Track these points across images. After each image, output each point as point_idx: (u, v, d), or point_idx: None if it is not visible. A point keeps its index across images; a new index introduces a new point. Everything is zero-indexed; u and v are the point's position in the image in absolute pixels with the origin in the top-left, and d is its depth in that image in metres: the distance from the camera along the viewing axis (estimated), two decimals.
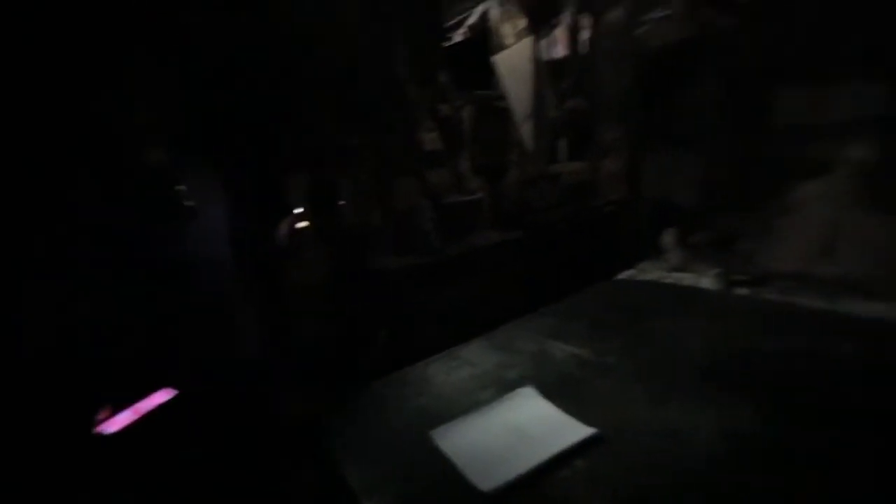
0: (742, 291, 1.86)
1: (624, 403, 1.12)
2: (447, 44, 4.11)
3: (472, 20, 4.35)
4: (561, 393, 1.17)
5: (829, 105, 2.60)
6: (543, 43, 3.95)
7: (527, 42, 3.28)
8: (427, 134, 3.01)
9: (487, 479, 0.93)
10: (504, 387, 1.24)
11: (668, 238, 2.22)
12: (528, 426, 1.07)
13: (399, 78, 2.72)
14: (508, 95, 3.32)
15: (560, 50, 3.94)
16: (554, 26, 4.01)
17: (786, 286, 1.90)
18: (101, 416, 1.29)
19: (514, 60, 3.32)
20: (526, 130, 3.33)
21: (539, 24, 3.86)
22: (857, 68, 2.50)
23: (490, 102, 3.29)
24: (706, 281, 1.91)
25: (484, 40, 3.86)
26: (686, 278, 2.06)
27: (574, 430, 1.02)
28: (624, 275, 2.24)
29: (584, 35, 3.51)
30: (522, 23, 4.00)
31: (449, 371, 1.40)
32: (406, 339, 2.17)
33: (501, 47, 3.66)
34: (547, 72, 3.40)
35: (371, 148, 2.50)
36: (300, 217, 1.84)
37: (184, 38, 1.70)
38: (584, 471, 0.93)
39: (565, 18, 3.67)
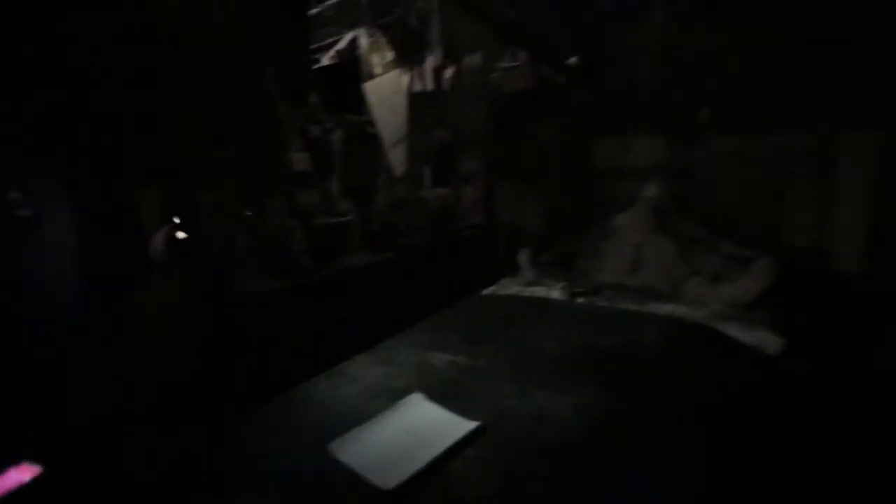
0: (581, 300, 2.25)
1: (499, 398, 1.29)
2: (316, 65, 4.12)
3: (340, 45, 4.43)
4: (444, 395, 1.30)
5: (631, 154, 3.33)
6: (412, 75, 4.23)
7: (395, 74, 3.49)
8: (297, 154, 2.97)
9: (388, 479, 1.00)
10: (393, 396, 1.32)
11: (522, 257, 2.57)
12: (420, 427, 1.18)
13: (269, 94, 2.66)
14: (377, 122, 3.47)
15: (425, 84, 4.26)
16: (420, 62, 4.33)
17: (610, 294, 2.36)
18: None
19: (383, 90, 3.49)
20: (394, 156, 3.50)
21: (406, 59, 4.13)
22: (647, 127, 3.27)
23: (360, 127, 3.39)
24: (555, 293, 2.27)
25: (354, 66, 3.98)
26: (539, 291, 2.41)
27: (460, 426, 1.16)
28: (488, 290, 2.51)
29: (448, 74, 3.86)
30: (390, 55, 4.23)
31: (337, 387, 1.43)
32: (281, 363, 2.10)
33: (371, 76, 3.82)
34: (414, 103, 3.64)
35: (238, 164, 2.39)
36: (177, 227, 1.65)
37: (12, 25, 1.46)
38: (473, 458, 1.07)
39: (430, 56, 3.98)
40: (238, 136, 2.39)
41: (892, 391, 1.68)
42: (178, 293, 1.97)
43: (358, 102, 3.48)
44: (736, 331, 1.83)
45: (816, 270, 2.63)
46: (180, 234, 1.65)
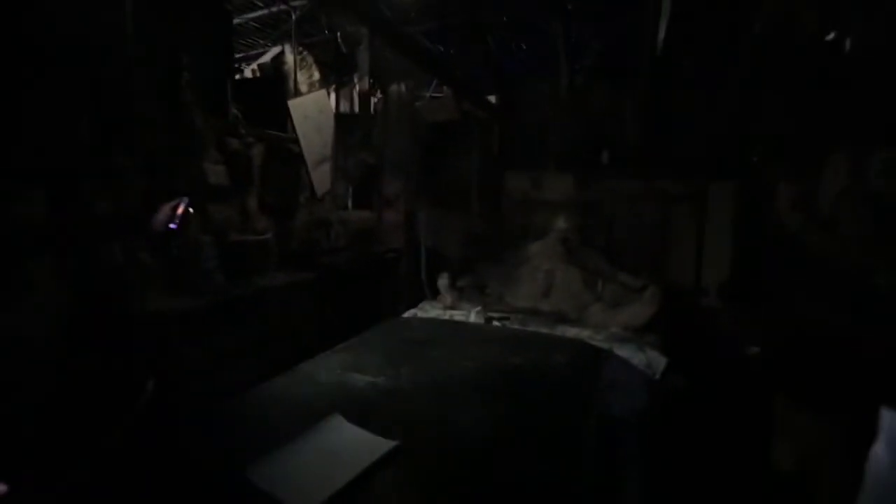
0: (496, 323, 2.38)
1: (416, 417, 1.33)
2: (238, 77, 3.99)
3: (264, 59, 4.34)
4: (364, 416, 1.32)
5: (543, 188, 3.63)
6: (339, 97, 4.25)
7: (322, 93, 3.49)
8: (213, 166, 2.84)
9: (306, 502, 0.99)
10: (312, 418, 1.31)
11: (442, 282, 2.66)
12: (339, 449, 1.17)
13: (182, 99, 2.54)
14: (301, 140, 3.43)
15: (351, 107, 4.30)
16: (347, 84, 4.37)
17: (523, 318, 2.52)
18: None
19: (308, 108, 3.48)
20: (317, 175, 3.47)
21: (332, 80, 4.15)
22: (557, 165, 3.59)
23: (282, 144, 3.33)
24: (472, 316, 2.38)
25: (279, 82, 3.91)
26: (457, 315, 2.50)
27: (378, 446, 1.17)
28: (408, 313, 2.56)
29: (374, 98, 3.93)
30: (317, 74, 4.22)
31: (255, 409, 1.38)
32: (186, 387, 1.96)
33: (297, 93, 3.78)
34: (340, 125, 3.66)
35: (142, 172, 2.23)
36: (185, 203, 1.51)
37: None
38: (391, 476, 1.09)
39: (357, 80, 4.04)
40: (145, 142, 2.24)
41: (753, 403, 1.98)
42: (56, 315, 1.75)
43: (282, 119, 3.43)
44: (630, 351, 2.06)
45: (692, 298, 3.03)
46: (186, 209, 1.50)
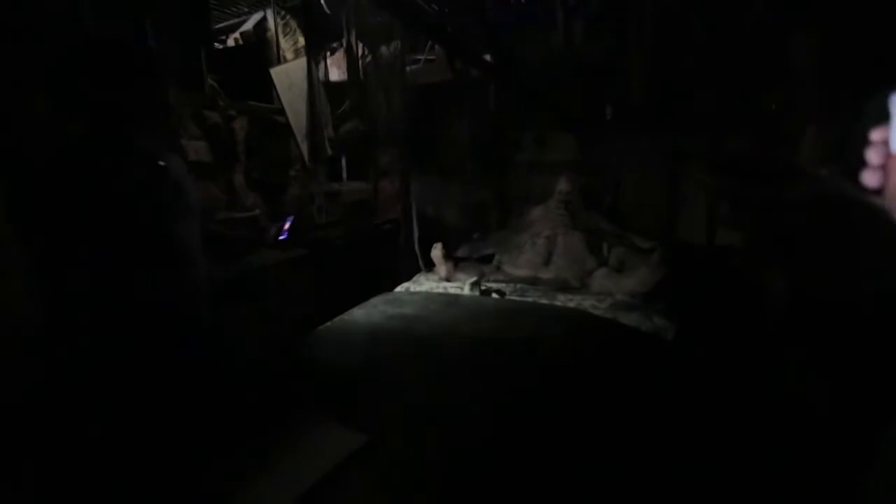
0: (494, 295, 2.26)
1: (394, 406, 1.22)
2: (217, 47, 3.78)
3: (246, 27, 4.11)
4: (336, 406, 1.21)
5: (544, 149, 3.43)
6: (326, 63, 4.03)
7: (306, 61, 3.29)
8: (191, 142, 2.70)
9: None
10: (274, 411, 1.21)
11: (435, 252, 2.53)
12: (305, 445, 1.07)
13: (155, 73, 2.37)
14: (288, 110, 3.25)
15: (338, 73, 4.08)
16: (334, 50, 4.14)
17: (522, 288, 2.39)
18: None
19: (293, 76, 3.28)
20: (306, 147, 3.31)
21: (318, 45, 3.92)
22: (559, 124, 3.37)
23: (267, 115, 3.16)
24: (466, 288, 2.25)
25: (260, 50, 3.70)
26: (452, 287, 2.38)
27: (348, 441, 1.05)
28: (401, 287, 2.44)
29: (362, 63, 3.71)
30: (302, 41, 3.99)
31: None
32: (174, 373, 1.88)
33: (280, 61, 3.58)
34: (328, 92, 3.47)
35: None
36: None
37: None
38: (362, 476, 0.98)
39: (344, 44, 3.81)
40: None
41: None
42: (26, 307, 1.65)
43: (264, 89, 3.25)
44: (636, 319, 1.93)
45: (705, 259, 2.86)
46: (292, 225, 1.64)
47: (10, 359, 1.45)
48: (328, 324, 1.77)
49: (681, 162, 3.13)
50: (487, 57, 3.40)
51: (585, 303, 2.14)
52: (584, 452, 1.19)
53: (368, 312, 1.85)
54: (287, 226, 1.84)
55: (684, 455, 1.38)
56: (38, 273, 1.19)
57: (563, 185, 3.01)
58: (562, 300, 2.19)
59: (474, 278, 2.32)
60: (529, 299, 2.20)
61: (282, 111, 3.24)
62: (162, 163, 1.26)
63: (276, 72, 3.26)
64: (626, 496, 1.17)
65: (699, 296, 2.22)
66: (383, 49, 3.55)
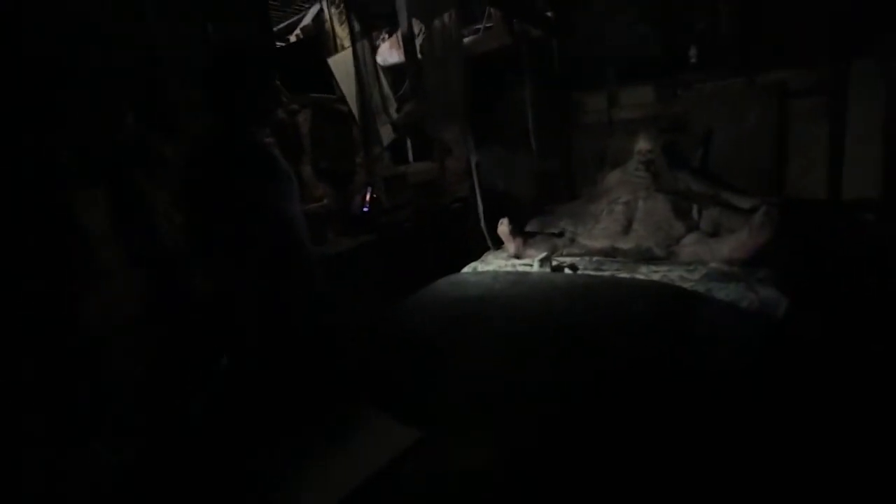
0: (567, 270, 2.09)
1: (453, 397, 1.14)
2: (280, 45, 3.90)
3: (305, 21, 4.19)
4: (391, 398, 1.16)
5: (618, 106, 3.10)
6: (383, 47, 3.99)
7: (362, 47, 3.27)
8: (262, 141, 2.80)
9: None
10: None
11: (502, 228, 2.40)
12: (357, 441, 1.04)
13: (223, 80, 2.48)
14: (348, 98, 3.27)
15: (396, 55, 4.01)
16: (390, 32, 4.08)
17: (599, 261, 2.19)
18: None
19: (349, 64, 3.28)
20: (372, 133, 3.31)
21: (374, 29, 3.87)
22: (633, 76, 3.01)
23: (329, 105, 3.20)
24: (536, 265, 2.10)
25: (316, 42, 3.75)
26: (521, 265, 2.24)
27: (402, 437, 1.00)
28: (468, 267, 2.36)
29: (418, 41, 3.61)
30: (357, 27, 3.98)
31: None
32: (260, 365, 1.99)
33: (338, 49, 3.60)
34: (385, 76, 3.43)
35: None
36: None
37: None
38: (415, 475, 0.93)
39: (399, 24, 3.74)
40: (189, 127, 2.23)
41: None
42: (136, 297, 1.88)
43: (325, 80, 3.28)
44: (736, 292, 1.66)
45: (826, 217, 2.42)
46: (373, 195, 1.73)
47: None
48: (391, 311, 1.74)
49: (787, 102, 2.66)
50: (548, 13, 3.14)
51: (672, 274, 1.89)
52: (664, 449, 1.03)
53: (433, 296, 1.79)
54: (368, 197, 2.04)
55: (781, 461, 1.16)
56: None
57: (641, 144, 2.70)
58: (644, 272, 1.96)
59: (544, 254, 2.16)
60: (606, 273, 2.00)
61: (343, 100, 3.27)
62: (277, 153, 1.45)
63: (333, 61, 3.29)
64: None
65: (818, 262, 1.86)
66: (437, 23, 3.41)
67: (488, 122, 3.21)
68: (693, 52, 2.75)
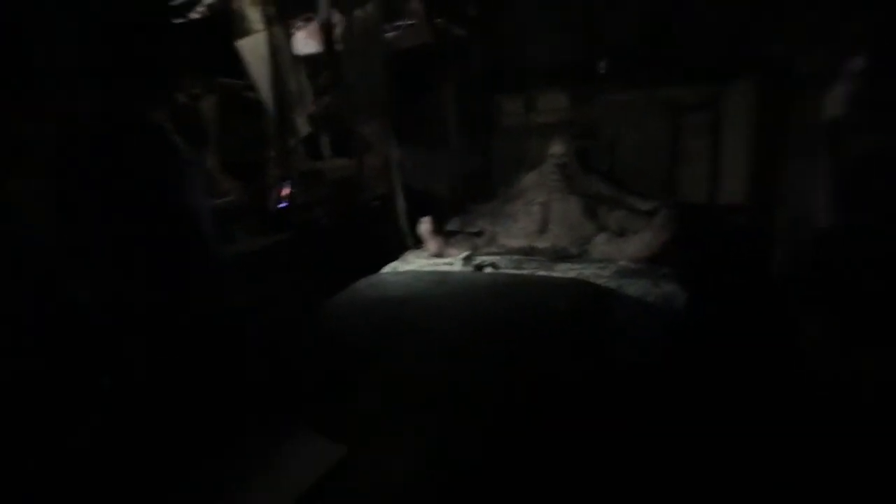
0: (489, 269, 2.11)
1: (377, 409, 1.08)
2: (179, 20, 3.53)
3: None
4: (313, 411, 1.08)
5: (535, 111, 3.22)
6: (299, 35, 3.77)
7: (277, 32, 3.05)
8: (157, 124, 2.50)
9: None
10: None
11: (423, 227, 2.37)
12: (281, 459, 0.94)
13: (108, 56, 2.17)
14: (260, 87, 3.04)
15: (314, 45, 3.83)
16: (308, 20, 3.87)
17: (518, 260, 2.24)
18: None
19: (263, 50, 3.05)
20: (285, 124, 3.11)
21: (290, 15, 3.66)
22: (549, 83, 3.15)
23: (237, 92, 2.95)
24: (459, 264, 2.10)
25: (225, 22, 3.45)
26: (443, 263, 2.23)
27: (328, 453, 0.92)
28: (388, 267, 2.30)
29: (337, 32, 3.47)
30: (272, 10, 3.72)
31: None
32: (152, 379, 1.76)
33: (248, 32, 3.33)
34: (302, 66, 3.24)
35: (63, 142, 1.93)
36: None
37: None
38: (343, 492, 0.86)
39: (319, 12, 3.56)
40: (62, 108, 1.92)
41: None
42: None
43: (232, 64, 3.02)
44: (643, 287, 1.78)
45: (713, 219, 2.71)
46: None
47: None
48: (306, 315, 1.63)
49: (681, 115, 2.93)
50: (472, 14, 3.17)
51: (586, 271, 1.99)
52: (595, 435, 1.06)
53: (353, 299, 1.70)
54: (285, 192, 1.95)
55: (692, 438, 1.26)
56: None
57: (556, 148, 2.83)
58: (561, 270, 2.04)
59: (466, 253, 2.17)
60: (526, 271, 2.06)
61: (253, 87, 3.03)
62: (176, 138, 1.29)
63: (242, 45, 3.03)
64: (639, 480, 1.05)
65: (707, 259, 2.07)
66: (358, 14, 3.31)
67: (410, 119, 3.17)
68: (603, 64, 2.93)
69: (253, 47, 3.05)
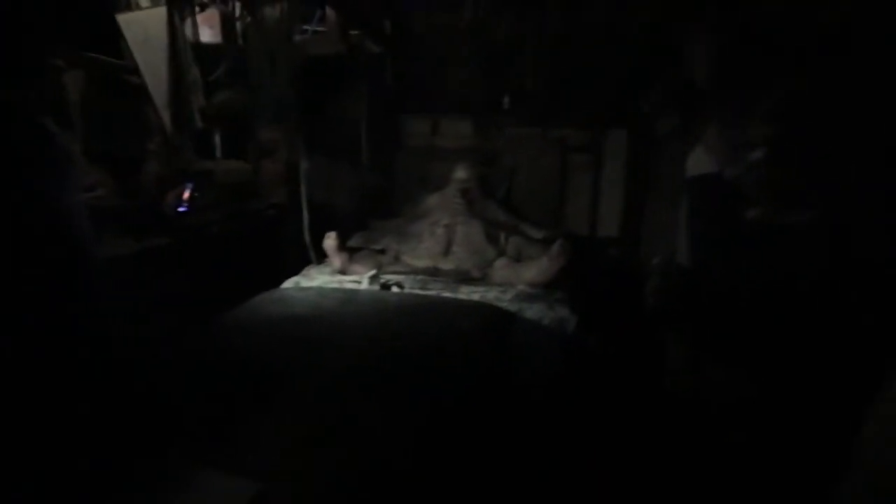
0: (395, 288, 2.11)
1: (287, 439, 1.01)
2: None
3: None
4: (217, 446, 0.98)
5: (442, 135, 3.34)
6: (195, 19, 3.43)
7: (164, 11, 2.75)
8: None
9: None
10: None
11: (328, 242, 2.30)
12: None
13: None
14: (143, 69, 2.70)
15: (211, 33, 3.52)
16: (204, 5, 3.55)
17: (423, 280, 2.28)
18: None
19: (150, 28, 2.72)
20: (169, 116, 2.79)
21: None
22: (457, 109, 3.30)
23: (112, 72, 2.58)
24: (365, 282, 2.07)
25: None
26: (348, 281, 2.17)
27: (238, 493, 0.83)
28: (289, 282, 2.18)
29: (240, 24, 3.24)
30: None
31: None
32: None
33: (132, 7, 2.95)
34: (194, 54, 2.95)
35: None
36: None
37: None
38: None
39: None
40: None
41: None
42: None
43: (109, 40, 2.64)
44: (540, 311, 1.93)
45: (594, 249, 3.04)
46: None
47: None
48: (195, 333, 1.47)
49: (569, 154, 3.27)
50: (386, 32, 3.20)
51: (489, 294, 2.10)
52: (498, 456, 1.12)
53: (249, 315, 1.58)
54: (187, 194, 1.77)
55: (580, 449, 1.40)
56: None
57: (460, 173, 2.96)
58: (465, 292, 2.12)
59: (373, 271, 2.14)
60: (432, 292, 2.10)
61: (136, 70, 2.67)
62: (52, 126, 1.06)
63: (125, 20, 2.67)
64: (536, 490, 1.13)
65: (589, 286, 2.32)
66: (267, 10, 3.13)
67: (318, 129, 3.06)
68: (506, 99, 3.16)
69: (138, 25, 2.71)
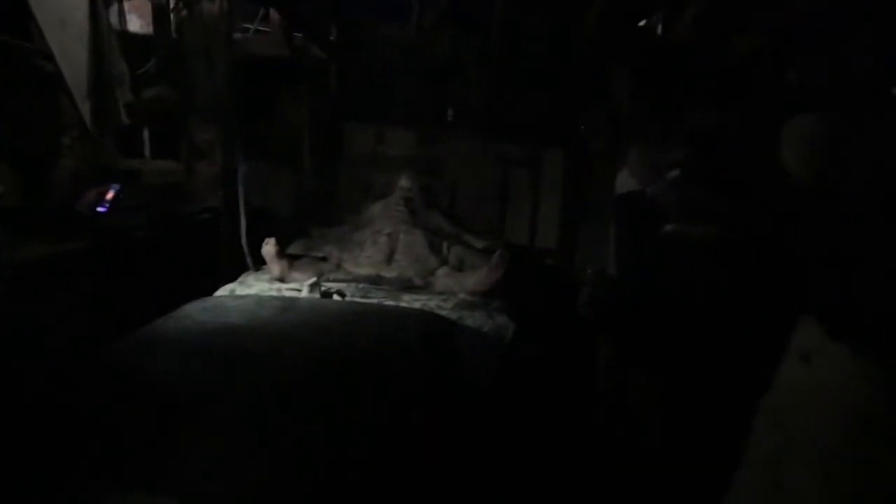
0: (336, 296, 2.08)
1: (214, 457, 0.97)
2: None
3: None
4: (138, 464, 0.92)
5: (386, 144, 3.35)
6: (127, 7, 3.20)
7: None
8: None
9: None
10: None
11: (267, 248, 2.23)
12: None
13: None
14: (58, 56, 2.48)
15: (138, 22, 3.30)
16: None
17: (365, 288, 2.27)
18: None
19: (69, 12, 2.52)
20: (87, 110, 2.59)
21: None
22: (401, 119, 3.33)
23: (21, 56, 2.35)
24: (305, 290, 2.02)
25: None
26: (287, 289, 2.12)
27: None
28: (224, 289, 2.08)
29: (174, 16, 3.08)
30: None
31: None
32: None
33: None
34: (121, 44, 2.76)
35: None
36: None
37: None
38: None
39: None
40: None
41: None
42: None
43: (22, 21, 2.40)
44: (479, 319, 1.98)
45: (531, 259, 3.16)
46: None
47: None
48: (120, 343, 1.37)
49: (509, 168, 3.39)
50: (331, 38, 3.17)
51: (431, 303, 2.12)
52: (439, 461, 1.14)
53: (180, 324, 1.49)
54: (111, 195, 1.58)
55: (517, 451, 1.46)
56: None
57: (404, 182, 2.99)
58: (407, 300, 2.14)
59: (313, 278, 2.10)
60: (374, 300, 2.09)
61: (50, 56, 2.45)
62: None
63: (38, 1, 2.45)
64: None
65: (530, 295, 2.42)
66: (205, 4, 2.99)
67: (257, 131, 2.96)
68: (451, 112, 3.23)
69: (52, 6, 2.49)
